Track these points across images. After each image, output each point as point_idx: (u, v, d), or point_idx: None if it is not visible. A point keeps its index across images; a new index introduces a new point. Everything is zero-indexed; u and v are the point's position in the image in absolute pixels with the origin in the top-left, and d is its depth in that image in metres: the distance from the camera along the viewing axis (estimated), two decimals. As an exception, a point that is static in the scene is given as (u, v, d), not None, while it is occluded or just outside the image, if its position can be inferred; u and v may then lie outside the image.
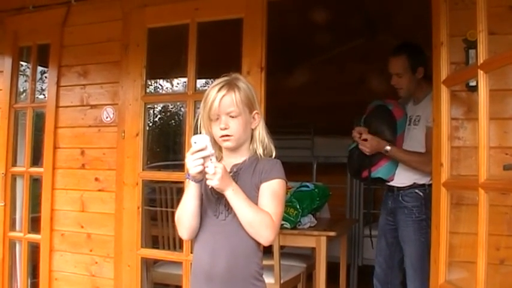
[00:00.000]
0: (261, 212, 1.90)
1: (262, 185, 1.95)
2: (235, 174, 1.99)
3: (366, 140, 3.35)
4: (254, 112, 2.03)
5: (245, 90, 1.99)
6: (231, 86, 1.97)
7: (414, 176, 3.28)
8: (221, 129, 1.96)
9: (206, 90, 2.04)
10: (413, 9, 4.26)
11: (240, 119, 1.97)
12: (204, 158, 1.82)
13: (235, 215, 1.91)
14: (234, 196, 1.88)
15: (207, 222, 1.99)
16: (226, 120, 1.95)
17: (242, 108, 1.97)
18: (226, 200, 1.92)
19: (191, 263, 3.30)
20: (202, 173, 1.85)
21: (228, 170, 1.98)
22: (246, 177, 1.98)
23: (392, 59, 3.40)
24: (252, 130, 2.04)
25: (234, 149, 2.03)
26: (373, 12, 5.54)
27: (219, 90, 1.96)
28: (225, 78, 2.02)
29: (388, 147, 3.30)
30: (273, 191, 1.95)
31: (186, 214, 1.98)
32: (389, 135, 3.37)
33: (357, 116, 3.76)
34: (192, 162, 1.83)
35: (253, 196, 1.94)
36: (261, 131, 2.05)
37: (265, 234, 1.90)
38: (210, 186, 1.89)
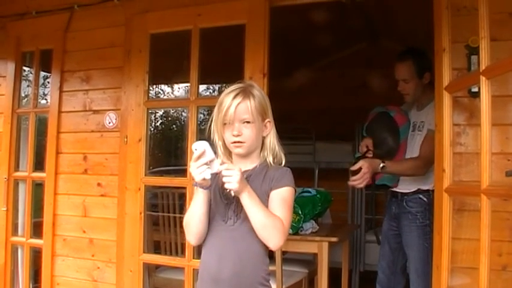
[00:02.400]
0: (272, 215, 1.91)
1: (273, 192, 1.97)
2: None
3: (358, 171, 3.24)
4: (266, 120, 2.04)
5: (259, 98, 2.01)
6: (246, 93, 1.99)
7: (418, 181, 3.27)
8: (234, 135, 1.97)
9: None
10: (415, 14, 4.27)
11: (253, 126, 1.98)
12: (206, 163, 1.84)
13: (243, 220, 1.93)
14: (249, 199, 1.88)
15: (215, 227, 2.00)
16: (239, 127, 1.97)
17: (256, 116, 1.98)
18: (235, 205, 1.95)
19: (194, 268, 3.33)
20: (208, 179, 1.86)
21: None
22: (256, 183, 1.99)
23: (399, 65, 3.37)
24: (263, 138, 2.05)
25: (244, 156, 2.04)
26: (375, 17, 5.54)
27: (235, 97, 1.97)
28: (240, 85, 2.03)
29: (382, 165, 3.22)
30: (282, 198, 1.96)
31: (194, 220, 1.99)
32: (392, 142, 3.36)
33: (359, 121, 3.74)
34: (195, 170, 1.85)
35: (262, 202, 1.95)
36: (272, 139, 2.06)
37: (275, 238, 1.90)
38: (227, 190, 1.89)
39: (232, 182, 1.83)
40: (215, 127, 2.03)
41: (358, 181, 3.21)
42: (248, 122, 1.97)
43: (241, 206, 1.94)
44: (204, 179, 1.86)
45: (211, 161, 1.85)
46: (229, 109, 1.95)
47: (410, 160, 3.27)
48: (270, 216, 1.90)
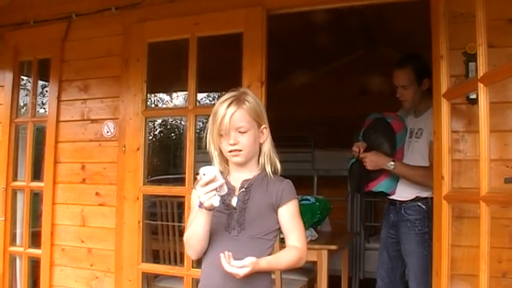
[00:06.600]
0: (289, 252, 1.95)
1: (282, 210, 1.98)
2: (247, 191, 1.99)
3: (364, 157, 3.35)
4: (262, 127, 2.04)
5: (254, 104, 2.00)
6: (239, 101, 1.98)
7: (416, 189, 3.26)
8: (230, 144, 1.97)
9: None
10: (412, 21, 4.27)
11: (249, 134, 1.98)
12: (215, 189, 1.83)
13: (247, 229, 1.94)
14: (270, 267, 1.94)
15: (218, 238, 1.98)
16: (235, 136, 1.96)
17: (251, 123, 1.98)
18: (237, 215, 1.95)
19: (193, 277, 3.32)
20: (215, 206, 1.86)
21: (238, 185, 2.01)
22: (258, 194, 1.99)
23: (398, 72, 3.37)
24: (260, 144, 2.05)
25: (242, 164, 2.03)
26: (373, 24, 5.56)
27: (229, 106, 1.96)
28: (233, 93, 2.02)
29: (392, 164, 3.28)
30: (292, 212, 2.00)
31: (196, 238, 1.97)
32: (388, 149, 3.35)
33: (358, 129, 3.74)
34: (204, 196, 1.83)
35: (264, 213, 1.97)
36: (268, 145, 2.06)
37: (302, 262, 1.98)
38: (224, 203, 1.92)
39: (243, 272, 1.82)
40: (211, 137, 2.02)
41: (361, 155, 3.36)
42: (244, 130, 1.96)
43: (245, 215, 1.95)
44: (212, 205, 1.85)
45: (220, 187, 1.85)
46: (224, 119, 1.95)
47: (422, 168, 3.22)
48: (290, 256, 1.95)
